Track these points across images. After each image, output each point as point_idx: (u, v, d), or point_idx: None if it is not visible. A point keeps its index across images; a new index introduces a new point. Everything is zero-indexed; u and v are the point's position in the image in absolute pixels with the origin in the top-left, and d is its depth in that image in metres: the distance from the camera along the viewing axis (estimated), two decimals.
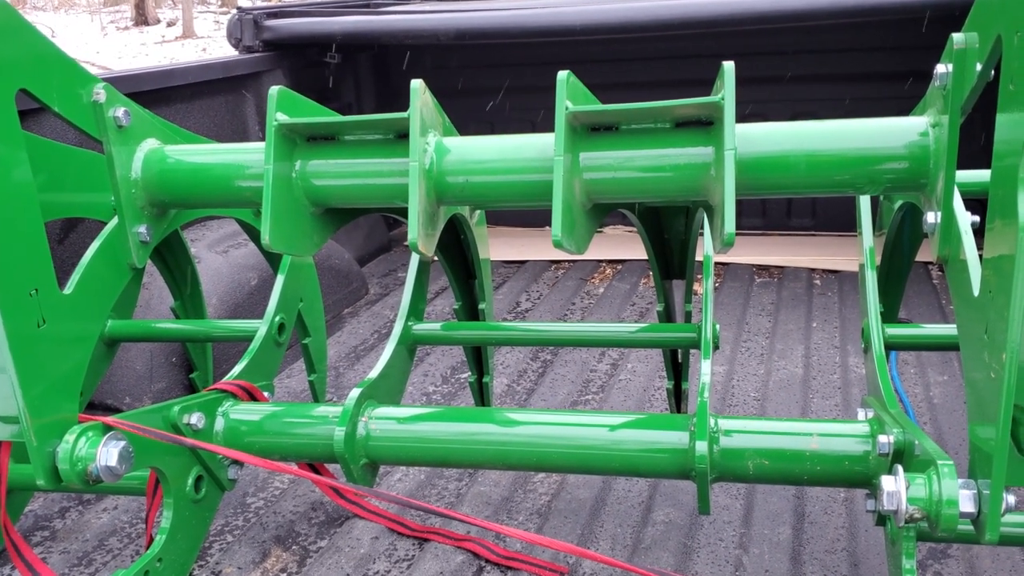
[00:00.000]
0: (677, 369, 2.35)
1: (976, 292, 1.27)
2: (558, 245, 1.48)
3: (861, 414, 1.80)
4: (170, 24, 23.80)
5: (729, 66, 1.45)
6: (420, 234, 1.55)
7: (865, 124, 1.51)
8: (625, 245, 4.32)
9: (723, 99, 1.43)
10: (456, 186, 1.62)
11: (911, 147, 1.45)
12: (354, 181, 1.66)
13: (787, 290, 3.64)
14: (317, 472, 2.02)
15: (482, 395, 2.50)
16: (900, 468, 1.28)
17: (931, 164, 1.42)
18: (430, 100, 1.62)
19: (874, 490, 1.63)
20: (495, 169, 1.61)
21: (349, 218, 1.85)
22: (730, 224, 1.41)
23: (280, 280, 2.24)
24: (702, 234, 2.13)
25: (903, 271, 2.15)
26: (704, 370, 1.85)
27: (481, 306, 2.38)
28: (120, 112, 1.68)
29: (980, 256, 1.25)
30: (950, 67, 1.33)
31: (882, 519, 1.64)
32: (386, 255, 4.53)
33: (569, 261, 4.21)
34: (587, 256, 4.25)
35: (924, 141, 1.44)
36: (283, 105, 1.63)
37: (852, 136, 1.50)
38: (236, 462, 1.93)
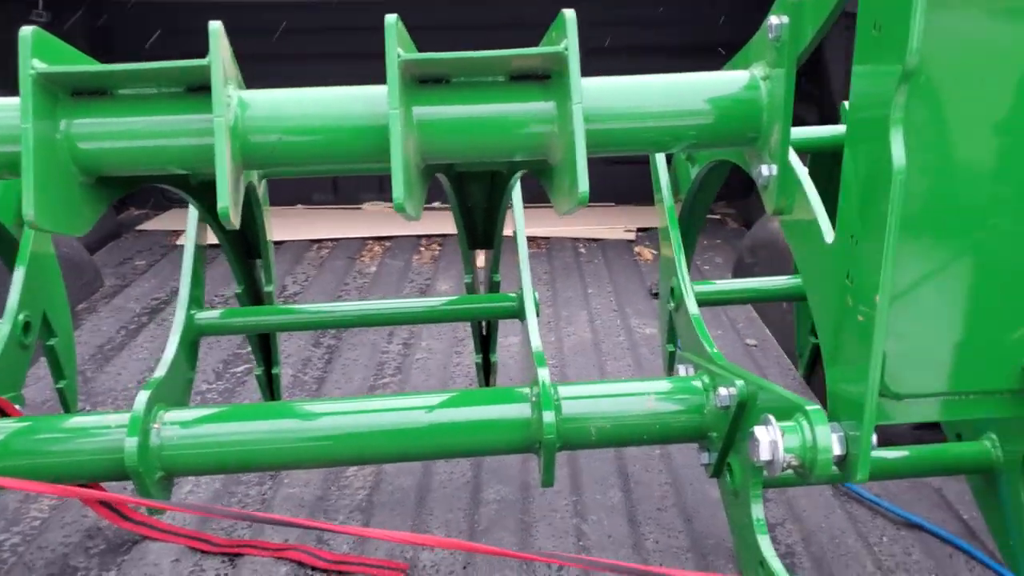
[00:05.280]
0: (485, 342, 2.27)
1: (829, 239, 1.30)
2: (400, 209, 1.33)
3: (682, 370, 1.82)
4: None
5: (570, 14, 1.37)
6: (231, 202, 1.32)
7: (694, 79, 1.50)
8: (389, 222, 4.18)
9: (567, 49, 1.35)
10: (267, 146, 1.40)
11: (742, 101, 1.45)
12: (136, 143, 1.38)
13: (557, 260, 3.69)
14: (106, 505, 1.71)
15: (271, 388, 2.27)
16: (772, 418, 1.28)
17: (764, 117, 1.44)
18: (228, 46, 1.39)
19: (710, 443, 1.65)
20: (313, 127, 1.41)
21: (125, 189, 1.55)
22: (583, 182, 1.33)
23: (20, 272, 1.87)
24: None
25: (696, 231, 2.22)
26: (534, 337, 1.78)
27: (267, 289, 2.15)
28: None
29: None
30: (784, 19, 1.34)
31: (717, 471, 1.67)
32: (116, 242, 4.04)
33: (332, 240, 4.00)
34: (350, 234, 4.06)
35: (755, 95, 1.45)
36: (40, 50, 1.32)
37: (682, 91, 1.49)
38: None
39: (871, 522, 1.81)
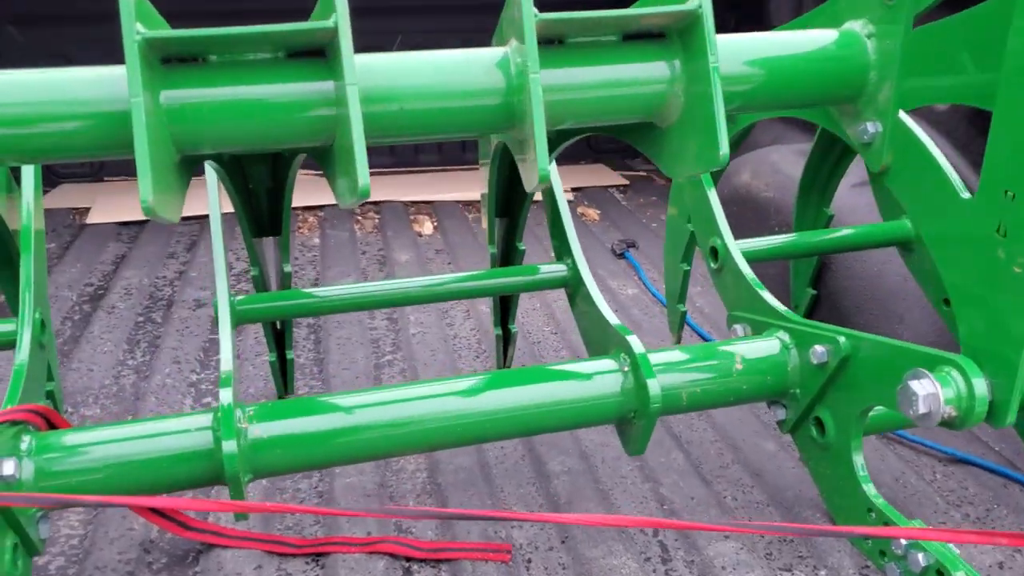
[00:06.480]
0: (504, 313, 2.22)
1: (965, 195, 1.33)
2: (543, 179, 1.27)
3: (740, 330, 1.85)
4: None
5: None
6: (368, 177, 1.21)
7: (792, 38, 1.50)
8: (314, 191, 4.00)
9: (701, 7, 1.31)
10: (388, 115, 1.29)
11: (846, 59, 1.47)
12: (247, 116, 1.23)
13: None
14: (160, 513, 1.56)
15: (284, 375, 2.14)
16: (926, 372, 1.31)
17: (871, 75, 1.46)
18: None
19: (791, 400, 1.69)
20: (437, 94, 1.31)
21: (195, 167, 1.40)
22: (724, 144, 1.31)
23: (30, 264, 1.66)
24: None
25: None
26: (602, 305, 1.75)
27: (287, 269, 2.02)
28: None
29: None
30: None
31: (795, 427, 1.71)
32: None
33: None
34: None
35: (859, 52, 1.47)
36: (142, 14, 1.15)
37: (787, 50, 1.48)
38: (46, 516, 1.40)
39: (919, 461, 1.91)
